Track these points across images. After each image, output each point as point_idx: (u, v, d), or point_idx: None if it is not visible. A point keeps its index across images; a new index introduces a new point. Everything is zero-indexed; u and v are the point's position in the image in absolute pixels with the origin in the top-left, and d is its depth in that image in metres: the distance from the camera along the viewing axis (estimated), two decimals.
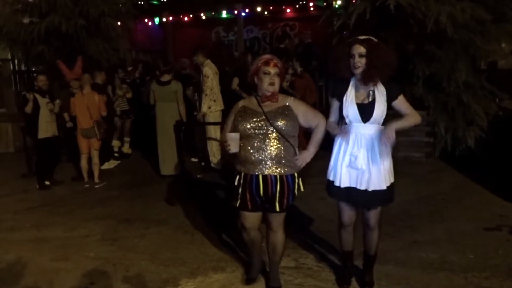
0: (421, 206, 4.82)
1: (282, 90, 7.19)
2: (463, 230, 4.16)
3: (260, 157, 2.87)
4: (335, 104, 3.05)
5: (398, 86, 2.96)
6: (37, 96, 6.15)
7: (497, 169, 5.58)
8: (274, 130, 2.86)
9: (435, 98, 6.38)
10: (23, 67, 9.49)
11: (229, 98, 6.04)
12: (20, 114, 7.40)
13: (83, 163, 6.33)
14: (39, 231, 4.65)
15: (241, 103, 3.07)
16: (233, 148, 2.85)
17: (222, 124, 4.73)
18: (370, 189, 2.87)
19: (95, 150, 6.27)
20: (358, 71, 2.83)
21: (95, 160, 6.30)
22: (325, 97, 8.43)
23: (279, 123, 2.86)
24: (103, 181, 6.38)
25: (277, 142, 2.87)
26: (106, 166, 7.09)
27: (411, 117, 2.91)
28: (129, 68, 9.31)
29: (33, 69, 9.31)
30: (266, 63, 2.88)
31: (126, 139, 8.00)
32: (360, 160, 2.86)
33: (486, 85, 6.36)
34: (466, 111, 6.29)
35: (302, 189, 3.05)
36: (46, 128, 6.23)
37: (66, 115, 6.51)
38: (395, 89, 2.90)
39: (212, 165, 6.48)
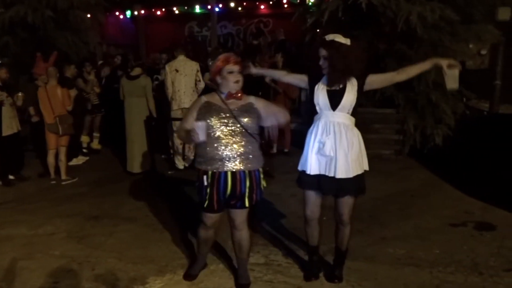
0: (390, 203, 4.90)
1: (265, 84, 7.23)
2: (430, 226, 4.25)
3: (228, 154, 2.87)
4: (302, 78, 3.13)
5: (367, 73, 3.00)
6: (1, 93, 5.90)
7: (463, 166, 5.74)
8: (241, 126, 2.88)
9: (405, 96, 6.48)
10: None
11: (204, 92, 5.98)
12: None
13: (50, 159, 6.12)
14: (1, 229, 4.48)
15: (203, 98, 3.04)
16: (202, 136, 2.80)
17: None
18: (337, 177, 2.91)
19: (62, 146, 6.07)
20: (324, 72, 2.92)
21: (62, 156, 6.09)
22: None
23: (245, 119, 2.89)
24: (73, 177, 6.21)
25: (244, 138, 2.90)
26: (74, 162, 6.90)
27: (403, 69, 3.02)
28: (100, 62, 9.09)
29: None
30: (227, 61, 2.90)
31: (96, 134, 7.81)
32: (328, 146, 2.91)
33: None
34: (434, 110, 6.42)
35: (264, 184, 3.07)
36: (10, 124, 5.99)
37: (31, 109, 6.29)
38: (364, 76, 2.96)
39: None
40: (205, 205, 2.98)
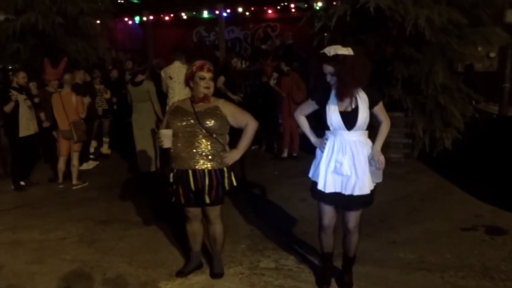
0: (400, 207, 4.88)
1: (269, 87, 7.28)
2: (440, 230, 4.23)
3: (190, 153, 3.09)
4: (311, 104, 3.13)
5: (378, 91, 2.99)
6: (16, 93, 6.00)
7: (473, 170, 5.71)
8: (203, 128, 3.07)
9: (414, 100, 6.47)
10: None
11: (215, 96, 6.01)
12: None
13: (61, 164, 6.19)
14: (13, 234, 4.53)
15: (175, 103, 3.31)
16: (166, 143, 3.07)
17: None
18: (355, 194, 2.90)
19: (75, 152, 6.15)
20: (333, 88, 2.87)
21: (74, 161, 6.17)
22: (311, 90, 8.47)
23: (207, 122, 3.08)
24: (84, 181, 6.27)
25: (206, 139, 3.10)
26: (85, 166, 6.97)
27: (386, 126, 2.98)
28: (110, 68, 9.17)
29: (9, 67, 9.09)
30: (201, 68, 3.12)
31: (105, 139, 7.89)
32: (346, 166, 2.89)
33: (463, 88, 6.48)
34: (443, 113, 6.40)
35: (234, 183, 3.26)
36: (28, 125, 6.09)
37: (42, 115, 6.37)
38: (376, 95, 2.94)
39: None
40: (173, 199, 3.24)
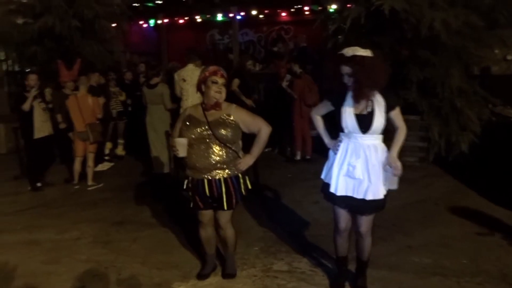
0: (414, 211, 4.83)
1: (281, 89, 7.27)
2: (456, 235, 4.17)
3: (205, 164, 3.09)
4: (326, 105, 3.11)
5: (396, 96, 2.96)
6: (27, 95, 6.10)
7: (490, 174, 5.62)
8: (216, 138, 3.07)
9: (429, 103, 6.40)
10: (16, 68, 9.43)
11: (229, 99, 6.04)
12: (13, 115, 7.32)
13: (77, 165, 6.29)
14: (30, 234, 4.60)
15: (188, 111, 3.29)
16: (181, 152, 3.08)
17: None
18: (367, 199, 2.88)
19: (91, 153, 6.23)
20: (350, 89, 2.84)
21: (90, 162, 6.26)
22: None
23: (220, 132, 3.07)
24: (99, 182, 6.34)
25: (219, 148, 3.10)
26: (99, 168, 7.05)
27: (402, 132, 2.93)
28: (124, 70, 9.26)
29: (27, 70, 9.24)
30: (214, 73, 3.12)
31: (120, 141, 7.97)
32: (358, 170, 2.87)
33: (479, 91, 6.39)
34: (459, 116, 6.31)
35: (249, 186, 3.29)
36: (42, 127, 6.18)
37: (59, 117, 6.46)
38: (393, 100, 2.90)
39: None
40: (191, 205, 3.27)
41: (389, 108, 2.87)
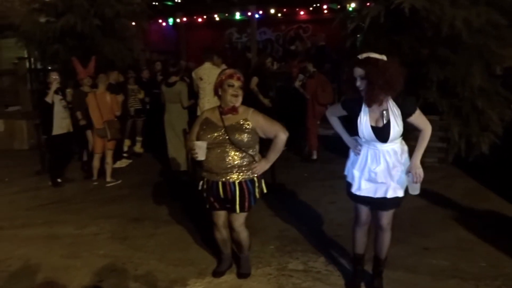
0: (433, 212, 4.76)
1: (295, 89, 7.24)
2: (474, 237, 4.09)
3: (220, 167, 3.11)
4: (339, 109, 3.08)
5: (413, 100, 2.89)
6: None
7: (511, 176, 5.50)
8: (232, 143, 3.07)
9: (449, 103, 6.29)
10: (38, 66, 9.63)
11: (247, 97, 6.05)
12: (35, 112, 7.49)
13: (96, 162, 6.40)
14: (50, 228, 4.70)
15: (205, 114, 3.30)
16: (200, 156, 3.08)
17: None
18: (388, 197, 2.88)
19: (109, 150, 6.33)
20: (363, 93, 2.80)
21: (108, 159, 6.36)
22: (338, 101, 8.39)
23: (237, 137, 3.07)
24: (117, 179, 6.44)
25: (235, 153, 3.10)
26: (118, 164, 7.15)
27: (426, 133, 2.87)
28: (143, 68, 9.37)
29: (49, 67, 9.43)
30: (230, 76, 3.12)
31: (138, 138, 8.06)
32: (380, 176, 2.88)
33: (501, 91, 6.26)
34: (480, 117, 6.19)
35: (264, 190, 3.31)
36: (61, 124, 6.31)
37: (78, 114, 6.58)
38: (409, 106, 2.83)
39: None
40: (208, 205, 3.29)
41: (406, 116, 2.82)
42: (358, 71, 2.75)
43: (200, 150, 3.06)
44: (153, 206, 5.32)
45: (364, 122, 2.86)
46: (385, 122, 2.81)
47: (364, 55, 2.76)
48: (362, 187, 2.95)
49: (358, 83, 2.77)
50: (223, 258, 3.57)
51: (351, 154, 3.10)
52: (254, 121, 3.14)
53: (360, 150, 2.99)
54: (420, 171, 2.84)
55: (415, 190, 2.91)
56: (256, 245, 3.88)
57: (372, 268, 3.26)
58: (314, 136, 7.12)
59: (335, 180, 5.80)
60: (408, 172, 2.88)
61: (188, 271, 3.61)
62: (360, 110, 2.88)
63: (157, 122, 7.18)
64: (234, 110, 3.13)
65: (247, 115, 3.16)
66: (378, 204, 2.97)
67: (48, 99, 6.13)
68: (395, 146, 2.89)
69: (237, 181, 3.13)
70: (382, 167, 2.87)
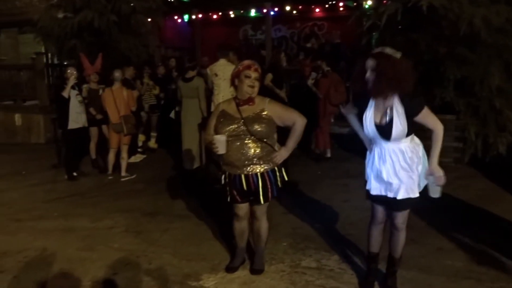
0: (448, 213, 4.70)
1: (306, 87, 7.19)
2: (490, 238, 4.03)
3: (241, 160, 3.10)
4: (352, 107, 3.12)
5: (420, 100, 2.84)
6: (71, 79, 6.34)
7: None
8: (251, 135, 3.07)
9: (466, 102, 6.22)
10: (55, 61, 9.77)
11: (262, 93, 6.04)
12: (52, 106, 7.60)
13: (111, 156, 6.48)
14: (66, 221, 4.77)
15: (221, 106, 3.29)
16: (221, 150, 3.05)
17: None
18: (399, 198, 2.87)
19: (125, 145, 6.40)
20: (370, 86, 2.78)
21: (124, 154, 6.43)
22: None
23: (255, 128, 3.07)
24: (132, 174, 6.50)
25: (255, 144, 3.10)
26: (132, 159, 7.21)
27: (438, 134, 2.82)
28: (158, 64, 9.44)
29: (65, 62, 9.56)
30: (248, 67, 3.12)
31: (153, 134, 8.13)
32: (385, 174, 2.88)
33: None
34: (498, 117, 6.10)
35: (286, 178, 3.29)
36: (76, 118, 6.40)
37: (92, 110, 6.65)
38: (415, 105, 2.79)
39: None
40: (229, 199, 3.28)
41: (411, 115, 2.78)
42: (370, 63, 2.76)
43: (221, 144, 3.03)
44: (167, 201, 5.36)
45: (369, 118, 2.88)
46: (387, 120, 2.80)
47: (379, 49, 2.79)
48: (373, 186, 2.99)
49: (368, 75, 2.77)
50: (237, 253, 3.58)
51: (367, 153, 3.11)
52: (271, 110, 3.14)
53: (372, 149, 3.02)
54: (441, 173, 2.81)
55: (436, 193, 2.87)
56: (269, 242, 3.87)
57: (386, 267, 3.23)
58: (327, 135, 7.08)
59: (349, 178, 5.79)
60: (429, 175, 2.85)
61: (201, 266, 3.63)
62: (366, 107, 2.90)
63: (169, 118, 7.24)
64: (250, 101, 3.13)
65: (264, 105, 3.16)
66: (391, 204, 2.96)
67: (65, 94, 6.23)
68: (402, 145, 2.86)
69: (259, 173, 3.12)
70: (387, 165, 2.87)
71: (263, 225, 3.38)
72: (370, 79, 2.76)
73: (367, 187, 3.05)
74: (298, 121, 3.17)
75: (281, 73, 7.11)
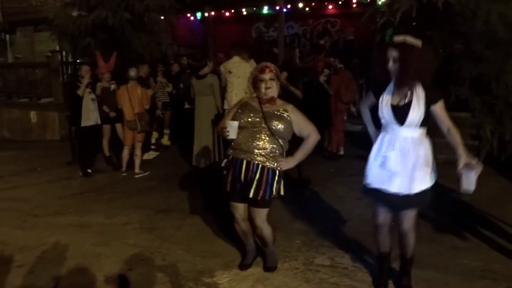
0: (463, 211, 4.66)
1: (318, 83, 7.14)
2: (507, 238, 3.98)
3: (250, 147, 3.13)
4: (369, 97, 3.08)
5: (440, 90, 2.84)
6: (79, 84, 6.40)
7: None
8: (268, 129, 3.10)
9: (482, 100, 6.13)
10: (70, 59, 9.87)
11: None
12: (66, 104, 7.68)
13: (125, 153, 6.53)
14: (81, 217, 4.83)
15: (244, 99, 3.37)
16: (232, 134, 3.10)
17: None
18: (401, 193, 2.79)
19: (138, 142, 6.45)
20: (393, 76, 2.78)
21: (137, 151, 6.49)
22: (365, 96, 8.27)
23: (274, 123, 3.11)
24: (145, 171, 6.55)
25: (268, 138, 3.13)
26: (145, 157, 7.26)
27: (455, 130, 2.78)
28: (171, 62, 9.48)
29: (78, 60, 9.67)
30: (261, 71, 3.19)
31: (166, 131, 8.17)
32: (392, 161, 2.80)
33: None
34: None
35: (282, 192, 3.26)
36: (89, 116, 6.47)
37: (105, 108, 6.71)
38: (436, 93, 2.79)
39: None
40: (222, 184, 3.26)
41: (430, 101, 2.76)
42: (393, 53, 2.72)
43: (232, 128, 3.08)
44: (180, 198, 5.39)
45: (386, 101, 2.85)
46: (406, 101, 2.77)
47: (401, 38, 2.74)
48: (374, 177, 2.89)
49: (390, 65, 2.74)
50: (247, 250, 3.58)
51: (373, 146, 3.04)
52: (293, 115, 3.19)
53: (379, 138, 2.95)
54: (475, 161, 2.69)
55: (472, 184, 2.71)
56: (282, 239, 3.89)
57: (400, 266, 3.22)
58: (341, 133, 7.05)
59: (362, 176, 5.73)
60: (464, 166, 2.69)
61: (214, 262, 3.65)
62: (384, 91, 2.87)
63: (183, 115, 7.26)
64: (272, 100, 3.19)
65: (287, 107, 3.22)
66: (393, 203, 2.86)
67: (80, 92, 6.30)
68: (414, 135, 2.81)
69: (261, 164, 3.13)
70: (396, 152, 2.80)
71: (264, 231, 3.31)
72: (393, 69, 2.74)
73: (366, 181, 2.94)
74: (313, 135, 3.22)
75: (295, 70, 7.08)
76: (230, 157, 3.25)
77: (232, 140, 3.18)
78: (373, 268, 3.44)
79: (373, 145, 3.04)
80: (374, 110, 3.08)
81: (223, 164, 3.30)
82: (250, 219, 3.33)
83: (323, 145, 7.27)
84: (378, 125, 3.07)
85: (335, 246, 3.88)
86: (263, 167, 3.13)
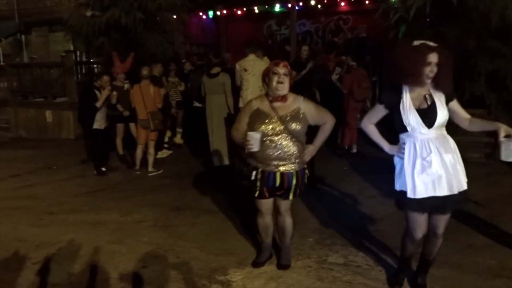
0: (479, 210, 4.58)
1: (331, 82, 7.07)
2: None
3: (276, 157, 3.11)
4: (379, 110, 2.94)
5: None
6: (97, 92, 6.50)
7: None
8: (289, 133, 3.09)
9: (498, 96, 6.05)
10: (84, 58, 9.98)
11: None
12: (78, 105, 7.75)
13: (139, 152, 6.59)
14: (96, 214, 4.89)
15: (253, 104, 3.23)
16: (255, 147, 3.01)
17: None
18: (453, 192, 2.71)
19: (152, 140, 6.50)
20: (428, 80, 2.69)
21: (151, 149, 6.54)
22: (378, 93, 8.21)
23: (294, 126, 3.09)
24: (159, 169, 6.60)
25: (291, 142, 3.12)
26: (159, 155, 7.31)
27: (476, 118, 2.81)
28: (183, 61, 9.52)
29: (91, 60, 9.77)
30: (276, 64, 3.14)
31: (179, 130, 8.22)
32: (435, 164, 2.69)
33: None
34: None
35: (307, 174, 3.33)
36: (100, 120, 6.54)
37: (119, 106, 6.77)
38: (450, 91, 2.78)
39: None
40: (256, 194, 3.27)
41: (448, 99, 2.76)
42: (433, 58, 2.63)
43: (255, 141, 2.99)
44: (194, 196, 5.42)
45: (408, 106, 2.74)
46: (429, 103, 2.74)
47: (431, 43, 2.68)
48: (419, 187, 2.70)
49: (427, 71, 2.64)
50: (263, 248, 3.59)
51: (397, 163, 2.90)
52: (306, 108, 3.16)
53: (404, 150, 2.80)
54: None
55: (510, 156, 2.58)
56: (295, 237, 3.87)
57: (418, 265, 3.18)
58: (354, 131, 7.01)
59: (375, 174, 5.70)
60: (505, 135, 2.58)
61: (228, 260, 3.66)
62: (401, 97, 2.77)
63: (195, 113, 7.29)
64: (283, 98, 3.14)
65: (299, 103, 3.17)
66: (439, 206, 2.77)
67: (99, 104, 6.38)
68: (442, 133, 2.78)
69: (294, 171, 3.16)
70: (434, 155, 2.69)
71: (287, 220, 3.40)
72: (431, 74, 2.66)
73: (409, 194, 2.74)
74: (329, 121, 3.24)
75: (300, 65, 7.01)
76: (260, 169, 3.19)
77: (255, 151, 3.08)
78: (387, 266, 3.42)
79: (394, 160, 2.93)
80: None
81: (253, 178, 3.22)
82: (276, 209, 3.40)
83: (336, 143, 7.25)
84: (388, 139, 2.98)
85: (348, 244, 3.86)
86: (296, 172, 3.18)
